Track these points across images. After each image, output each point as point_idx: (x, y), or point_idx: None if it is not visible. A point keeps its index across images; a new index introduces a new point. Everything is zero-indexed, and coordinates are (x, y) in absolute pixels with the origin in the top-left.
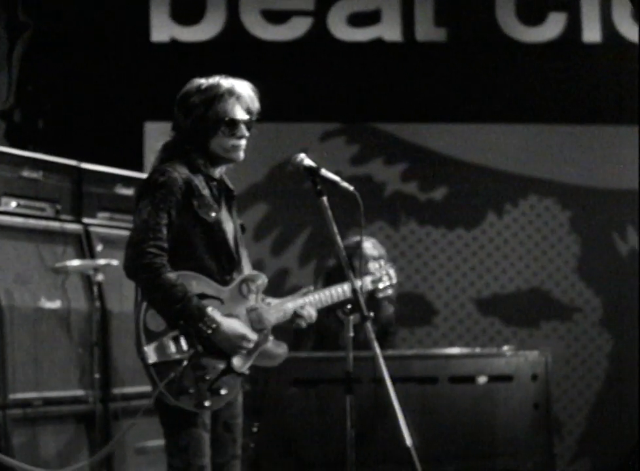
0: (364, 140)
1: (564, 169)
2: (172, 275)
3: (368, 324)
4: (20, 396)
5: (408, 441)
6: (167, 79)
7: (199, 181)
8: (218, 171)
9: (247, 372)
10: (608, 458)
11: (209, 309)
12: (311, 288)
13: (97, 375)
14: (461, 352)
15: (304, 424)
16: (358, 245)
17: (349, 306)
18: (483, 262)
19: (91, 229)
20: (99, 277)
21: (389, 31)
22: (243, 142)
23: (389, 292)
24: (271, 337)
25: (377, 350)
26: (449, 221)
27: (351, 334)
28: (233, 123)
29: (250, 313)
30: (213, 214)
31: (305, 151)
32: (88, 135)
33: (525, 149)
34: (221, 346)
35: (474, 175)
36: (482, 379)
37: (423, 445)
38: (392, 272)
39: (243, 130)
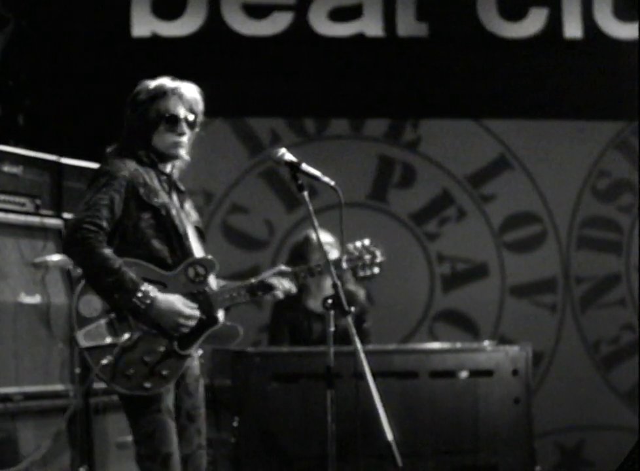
0: None
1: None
2: (107, 250)
3: (349, 319)
4: (1, 390)
5: (389, 435)
6: (148, 74)
7: (146, 172)
8: (168, 167)
9: (193, 354)
10: None
11: (145, 284)
12: (282, 267)
13: (77, 370)
14: (442, 347)
15: (285, 419)
16: (306, 239)
17: (329, 301)
18: None
19: None
20: (79, 272)
21: (371, 26)
22: (184, 139)
23: (376, 270)
24: (221, 320)
25: (358, 344)
26: None
27: (332, 329)
28: (174, 119)
29: (198, 295)
30: (160, 200)
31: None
32: (68, 130)
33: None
34: (158, 322)
35: None
36: (463, 374)
37: (404, 439)
38: (377, 251)
39: (184, 127)
